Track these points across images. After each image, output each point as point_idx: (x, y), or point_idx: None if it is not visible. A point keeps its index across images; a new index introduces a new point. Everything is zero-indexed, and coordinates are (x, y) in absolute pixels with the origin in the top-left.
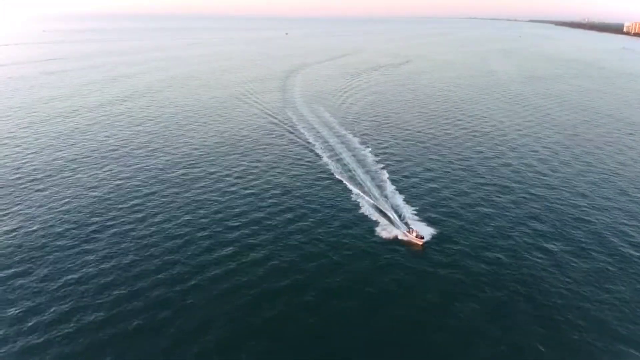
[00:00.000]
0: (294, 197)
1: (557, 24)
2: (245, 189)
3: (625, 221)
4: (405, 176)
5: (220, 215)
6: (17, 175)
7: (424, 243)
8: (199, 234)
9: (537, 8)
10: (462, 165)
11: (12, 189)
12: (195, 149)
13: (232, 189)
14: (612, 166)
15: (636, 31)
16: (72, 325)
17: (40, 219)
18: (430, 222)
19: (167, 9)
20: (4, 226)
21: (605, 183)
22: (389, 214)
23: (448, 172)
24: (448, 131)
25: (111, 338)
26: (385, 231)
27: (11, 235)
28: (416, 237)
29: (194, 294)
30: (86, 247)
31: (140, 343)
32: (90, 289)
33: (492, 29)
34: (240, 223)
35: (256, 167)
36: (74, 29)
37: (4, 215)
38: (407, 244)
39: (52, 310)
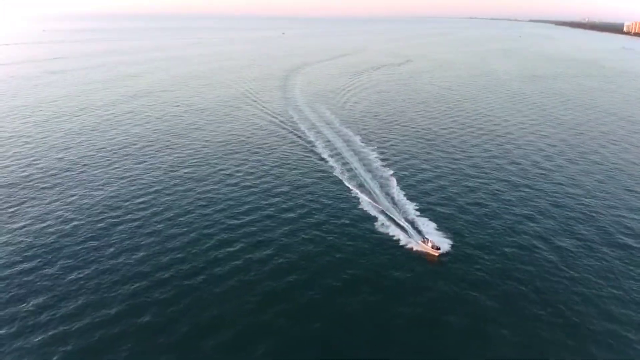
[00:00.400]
0: (299, 195)
1: (558, 23)
2: (252, 186)
3: (630, 216)
4: (411, 173)
5: (228, 213)
6: (27, 173)
7: (440, 255)
8: (208, 231)
9: (538, 8)
10: (468, 163)
11: (22, 187)
12: (202, 147)
13: (239, 186)
14: (617, 163)
15: (636, 31)
16: (85, 319)
17: (51, 216)
18: (436, 218)
19: (167, 9)
20: (17, 222)
21: (611, 180)
22: (397, 219)
23: (455, 169)
24: (453, 130)
25: (124, 332)
26: (396, 236)
27: (24, 231)
28: (432, 247)
29: (204, 289)
30: (97, 243)
31: (153, 337)
32: (103, 284)
33: (492, 28)
34: (248, 220)
35: (262, 165)
36: (73, 28)
37: (17, 212)
38: (423, 255)
39: (65, 304)
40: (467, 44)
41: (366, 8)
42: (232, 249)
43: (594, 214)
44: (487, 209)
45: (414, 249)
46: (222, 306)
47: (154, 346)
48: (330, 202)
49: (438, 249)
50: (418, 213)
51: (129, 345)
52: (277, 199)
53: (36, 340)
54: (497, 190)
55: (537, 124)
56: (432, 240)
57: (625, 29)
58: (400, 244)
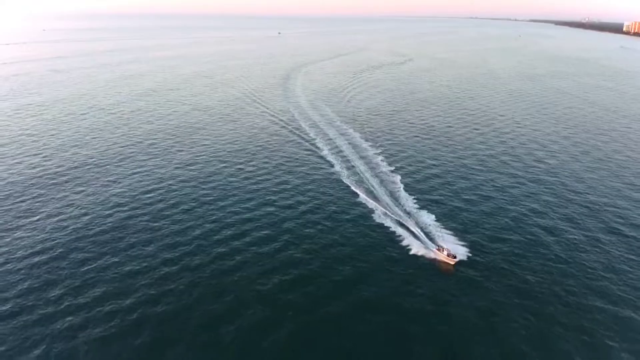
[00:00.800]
0: (308, 190)
1: (558, 23)
2: (262, 181)
3: (631, 208)
4: (416, 170)
5: (240, 206)
6: (39, 169)
7: (456, 263)
8: (219, 224)
9: (538, 8)
10: (472, 160)
11: (35, 182)
12: (210, 144)
13: (249, 181)
14: (618, 159)
15: (635, 30)
16: (103, 307)
17: (66, 210)
18: (442, 214)
19: (167, 8)
20: (33, 216)
21: (612, 175)
22: (405, 222)
23: (460, 166)
24: (456, 127)
25: (141, 320)
26: (412, 246)
27: (40, 224)
28: (447, 256)
29: (216, 279)
30: (112, 235)
31: (169, 324)
32: (118, 274)
33: (493, 28)
34: (259, 213)
35: (271, 161)
36: (73, 28)
37: (31, 206)
38: (436, 262)
39: (83, 294)
40: (467, 43)
41: (366, 8)
42: (244, 240)
43: (596, 207)
44: (493, 204)
45: (427, 255)
46: (234, 296)
47: (170, 333)
48: (335, 195)
49: (454, 257)
50: (421, 207)
51: (146, 333)
52: (286, 193)
53: (61, 325)
54: (503, 185)
55: (540, 121)
56: (448, 248)
57: (624, 29)
58: (416, 253)
